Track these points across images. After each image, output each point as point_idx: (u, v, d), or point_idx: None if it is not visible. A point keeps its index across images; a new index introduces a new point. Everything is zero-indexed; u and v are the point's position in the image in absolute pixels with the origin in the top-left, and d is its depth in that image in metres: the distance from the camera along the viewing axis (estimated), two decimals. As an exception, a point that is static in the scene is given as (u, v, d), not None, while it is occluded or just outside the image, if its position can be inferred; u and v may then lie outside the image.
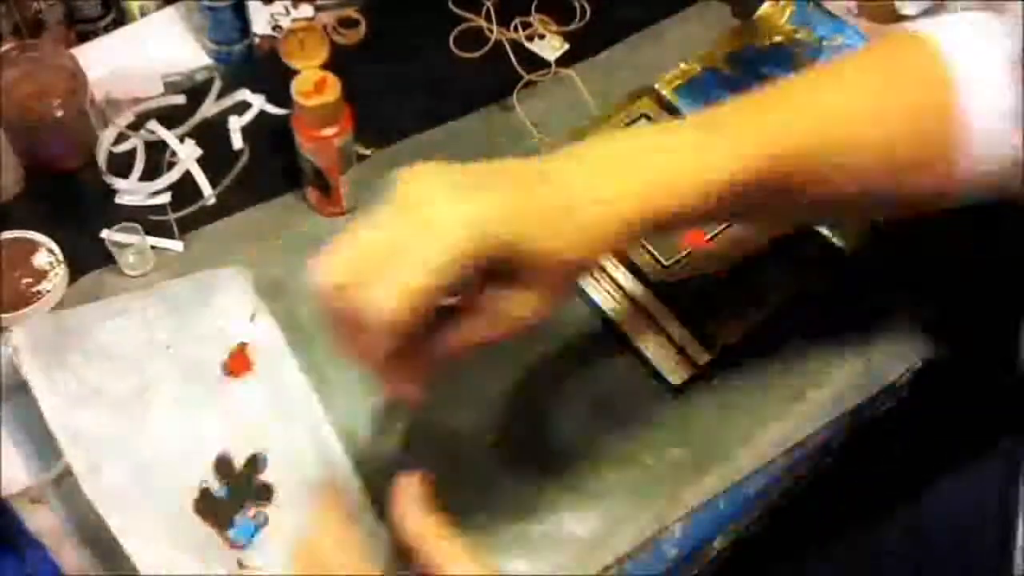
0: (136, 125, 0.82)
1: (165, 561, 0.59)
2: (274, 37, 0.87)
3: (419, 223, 0.49)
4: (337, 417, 0.66)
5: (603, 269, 0.74)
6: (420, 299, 0.47)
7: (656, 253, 0.73)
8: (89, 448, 0.61)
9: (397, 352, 0.50)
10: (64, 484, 0.63)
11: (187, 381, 0.66)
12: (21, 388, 0.67)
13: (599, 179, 0.52)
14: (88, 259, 0.74)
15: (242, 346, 0.69)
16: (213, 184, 0.79)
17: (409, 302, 0.47)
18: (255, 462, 0.64)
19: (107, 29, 0.87)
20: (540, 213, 0.50)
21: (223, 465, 0.64)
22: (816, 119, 0.56)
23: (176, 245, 0.75)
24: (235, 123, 0.83)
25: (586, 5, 0.91)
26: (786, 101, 0.57)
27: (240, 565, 0.61)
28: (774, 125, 0.54)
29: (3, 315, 0.70)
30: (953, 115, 0.55)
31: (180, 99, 0.84)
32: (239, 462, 0.65)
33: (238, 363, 0.68)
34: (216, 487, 0.63)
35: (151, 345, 0.67)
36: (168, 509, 0.62)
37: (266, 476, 0.64)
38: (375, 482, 0.63)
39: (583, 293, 0.74)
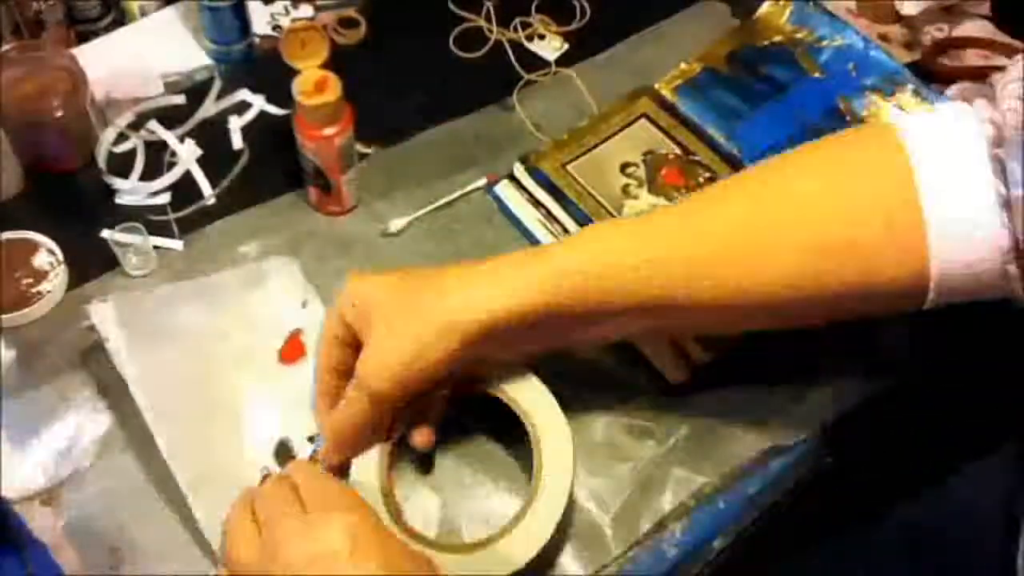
0: (136, 125, 0.82)
1: None
2: (274, 37, 0.87)
3: None
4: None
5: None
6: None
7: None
8: (172, 428, 0.63)
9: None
10: (70, 485, 0.64)
11: (245, 368, 0.68)
12: (22, 387, 0.67)
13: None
14: (88, 259, 0.74)
15: (296, 332, 0.69)
16: (213, 184, 0.79)
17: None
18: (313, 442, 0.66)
19: (107, 29, 0.87)
20: None
21: (283, 450, 0.65)
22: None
23: (177, 244, 0.75)
24: (235, 123, 0.83)
25: (586, 5, 0.92)
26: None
27: None
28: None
29: (3, 315, 0.70)
30: (918, 204, 0.53)
31: (180, 99, 0.84)
32: (297, 447, 0.66)
33: (292, 349, 0.69)
34: (277, 472, 0.64)
35: (214, 332, 0.68)
36: (233, 494, 0.62)
37: None
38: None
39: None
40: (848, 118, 0.81)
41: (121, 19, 0.88)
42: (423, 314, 0.57)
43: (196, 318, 0.69)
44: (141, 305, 0.68)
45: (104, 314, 0.66)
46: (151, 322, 0.67)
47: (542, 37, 0.89)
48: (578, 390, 0.69)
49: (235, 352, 0.68)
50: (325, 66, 0.73)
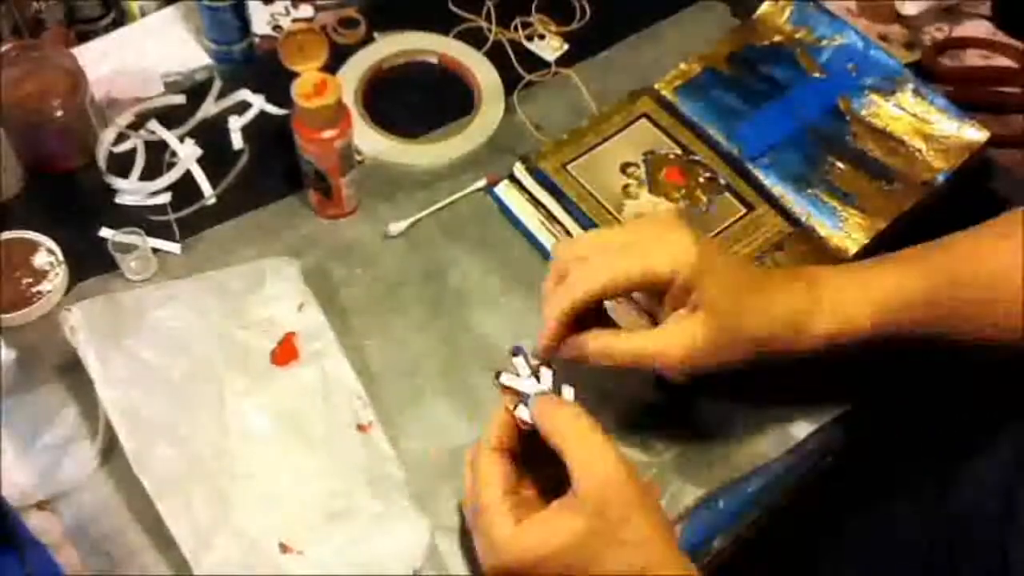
0: (136, 125, 0.82)
1: (209, 548, 0.59)
2: (274, 37, 0.87)
3: (651, 233, 0.60)
4: (380, 412, 0.67)
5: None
6: (598, 293, 0.59)
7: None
8: (141, 430, 0.62)
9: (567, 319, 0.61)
10: (70, 487, 0.64)
11: (235, 368, 0.67)
12: (23, 388, 0.67)
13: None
14: (88, 259, 0.74)
15: (290, 335, 0.69)
16: (213, 184, 0.79)
17: (592, 293, 0.59)
18: None
19: (107, 29, 0.87)
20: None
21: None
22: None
23: (177, 248, 0.75)
24: (235, 123, 0.83)
25: (586, 5, 0.92)
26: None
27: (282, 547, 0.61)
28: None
29: (3, 315, 0.70)
30: None
31: (180, 99, 0.84)
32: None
33: (285, 352, 0.68)
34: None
35: (202, 331, 0.67)
36: (213, 497, 0.62)
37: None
38: (415, 474, 0.65)
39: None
40: (848, 118, 0.81)
41: (121, 19, 0.88)
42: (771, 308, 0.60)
43: (184, 318, 0.67)
44: (116, 308, 0.67)
45: (71, 321, 0.64)
46: (127, 324, 0.66)
47: (542, 37, 0.89)
48: (579, 391, 0.69)
49: (226, 353, 0.67)
50: (324, 68, 0.73)
